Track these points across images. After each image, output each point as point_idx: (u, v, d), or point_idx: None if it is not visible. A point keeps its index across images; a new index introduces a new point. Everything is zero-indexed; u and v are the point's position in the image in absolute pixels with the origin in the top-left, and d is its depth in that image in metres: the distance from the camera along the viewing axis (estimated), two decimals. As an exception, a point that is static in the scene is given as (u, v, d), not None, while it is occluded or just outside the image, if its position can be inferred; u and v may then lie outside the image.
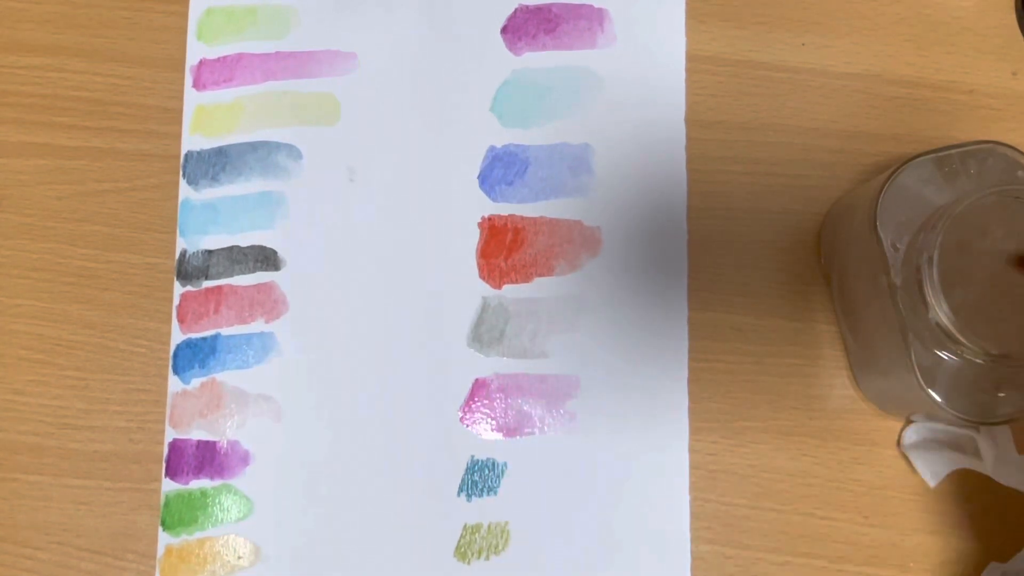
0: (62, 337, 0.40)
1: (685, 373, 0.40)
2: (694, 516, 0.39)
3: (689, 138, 0.41)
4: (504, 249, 0.41)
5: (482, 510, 0.39)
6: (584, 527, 0.39)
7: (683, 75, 0.42)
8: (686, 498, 0.39)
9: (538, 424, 0.40)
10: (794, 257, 0.41)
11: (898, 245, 0.34)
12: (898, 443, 0.39)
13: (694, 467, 0.39)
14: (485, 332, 0.40)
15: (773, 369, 0.40)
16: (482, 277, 0.41)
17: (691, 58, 0.42)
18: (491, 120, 0.42)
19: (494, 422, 0.40)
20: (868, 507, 0.39)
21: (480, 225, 0.41)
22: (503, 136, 0.41)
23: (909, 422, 0.39)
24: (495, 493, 0.39)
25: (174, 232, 0.41)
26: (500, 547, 0.39)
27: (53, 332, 0.40)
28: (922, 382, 0.33)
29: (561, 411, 0.40)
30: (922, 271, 0.32)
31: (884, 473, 0.39)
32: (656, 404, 0.40)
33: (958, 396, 0.33)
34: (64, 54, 0.42)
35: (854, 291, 0.38)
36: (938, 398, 0.33)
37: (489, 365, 0.40)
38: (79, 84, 0.42)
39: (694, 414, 0.40)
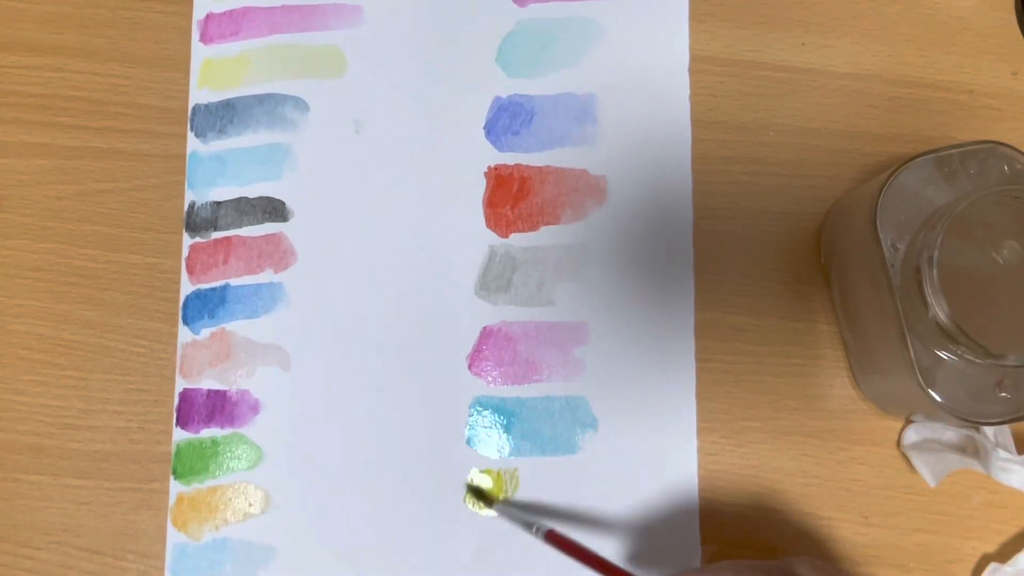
0: (62, 337, 0.40)
1: (692, 318, 0.40)
2: (694, 516, 0.39)
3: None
4: (510, 198, 0.41)
5: (491, 456, 0.39)
6: (593, 472, 0.39)
7: (687, 22, 0.42)
8: (694, 442, 0.39)
9: (546, 371, 0.40)
10: (794, 257, 0.41)
11: (898, 245, 0.34)
12: (898, 443, 0.39)
13: (694, 467, 0.39)
14: (492, 280, 0.40)
15: (773, 369, 0.40)
16: (489, 226, 0.41)
17: (691, 58, 0.42)
18: (496, 71, 0.42)
19: (502, 369, 0.40)
20: (868, 507, 0.39)
21: (486, 175, 0.41)
22: (508, 86, 0.42)
23: (909, 422, 0.39)
24: (505, 439, 0.39)
25: (174, 232, 0.41)
26: (510, 493, 0.39)
27: (53, 332, 0.40)
28: (922, 382, 0.33)
29: (569, 358, 0.40)
30: (922, 271, 0.32)
31: (884, 473, 0.39)
32: (663, 350, 0.40)
33: (958, 396, 0.33)
34: (64, 54, 0.42)
35: (854, 291, 0.38)
36: (938, 398, 0.33)
37: (497, 313, 0.40)
38: (79, 84, 0.42)
39: (694, 414, 0.40)
